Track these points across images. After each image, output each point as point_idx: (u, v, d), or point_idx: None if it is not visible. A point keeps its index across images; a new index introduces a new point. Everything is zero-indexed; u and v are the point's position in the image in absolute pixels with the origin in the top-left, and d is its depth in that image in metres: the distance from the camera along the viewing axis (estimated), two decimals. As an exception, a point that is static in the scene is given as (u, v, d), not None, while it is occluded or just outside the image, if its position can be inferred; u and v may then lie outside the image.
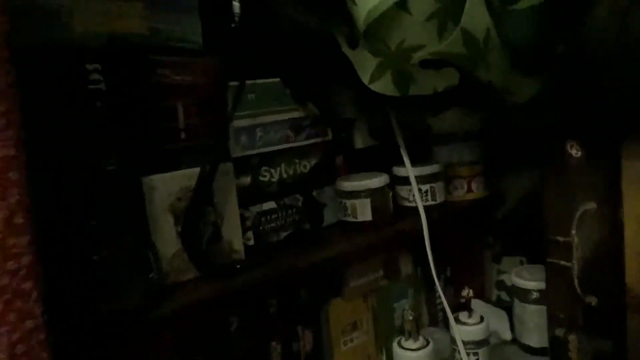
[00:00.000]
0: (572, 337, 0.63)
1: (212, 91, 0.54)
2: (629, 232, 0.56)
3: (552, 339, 0.65)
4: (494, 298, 0.86)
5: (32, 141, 0.38)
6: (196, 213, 0.52)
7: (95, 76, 0.45)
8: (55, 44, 0.43)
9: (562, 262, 0.62)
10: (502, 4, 0.45)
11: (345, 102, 0.66)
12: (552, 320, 0.64)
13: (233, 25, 0.55)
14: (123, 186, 0.47)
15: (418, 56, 0.49)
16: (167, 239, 0.51)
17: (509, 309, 0.78)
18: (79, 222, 0.43)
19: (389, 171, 0.69)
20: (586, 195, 0.58)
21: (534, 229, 0.65)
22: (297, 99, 0.62)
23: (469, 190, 0.73)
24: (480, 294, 0.86)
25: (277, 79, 0.61)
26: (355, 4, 0.48)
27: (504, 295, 0.84)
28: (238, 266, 0.53)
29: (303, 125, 0.64)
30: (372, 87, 0.53)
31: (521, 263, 0.82)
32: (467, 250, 0.82)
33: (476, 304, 0.80)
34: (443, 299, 0.65)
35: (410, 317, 0.59)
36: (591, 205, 0.58)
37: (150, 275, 0.47)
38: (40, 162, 0.40)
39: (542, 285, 0.67)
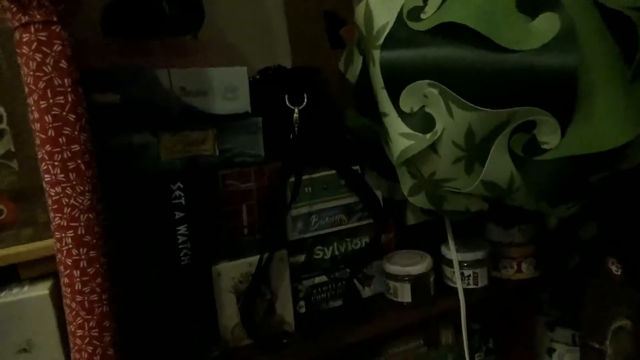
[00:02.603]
0: None
1: (271, 191, 0.63)
2: (661, 356, 0.56)
3: None
4: (544, 363, 0.88)
5: (126, 247, 0.52)
6: (253, 293, 0.63)
7: (177, 193, 0.57)
8: (147, 171, 0.56)
9: (595, 366, 0.63)
10: (526, 154, 0.48)
11: (397, 187, 0.72)
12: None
13: (292, 135, 0.63)
14: (195, 276, 0.59)
15: (448, 186, 0.53)
16: (230, 313, 0.63)
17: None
18: (160, 309, 0.56)
19: (438, 248, 0.75)
20: (623, 312, 0.59)
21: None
22: (351, 187, 0.69)
23: (519, 270, 0.75)
24: (530, 358, 0.88)
25: (331, 172, 0.68)
26: (391, 141, 0.53)
27: (554, 363, 0.86)
28: (285, 341, 0.64)
29: (356, 209, 0.71)
30: (411, 200, 0.59)
31: (573, 337, 0.83)
32: (516, 322, 0.84)
33: (519, 373, 0.84)
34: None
35: (436, 398, 0.66)
36: (626, 323, 0.59)
37: (212, 349, 0.60)
38: (134, 264, 0.54)
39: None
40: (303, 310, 0.70)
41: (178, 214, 0.57)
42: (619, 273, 0.58)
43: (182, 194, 0.57)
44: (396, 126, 0.53)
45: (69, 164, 0.37)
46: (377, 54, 0.53)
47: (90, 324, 0.38)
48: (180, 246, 0.58)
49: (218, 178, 0.60)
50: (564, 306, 0.84)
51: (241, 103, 0.60)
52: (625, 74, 0.47)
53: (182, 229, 0.57)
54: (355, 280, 0.71)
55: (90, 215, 0.39)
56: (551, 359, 0.82)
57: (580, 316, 0.68)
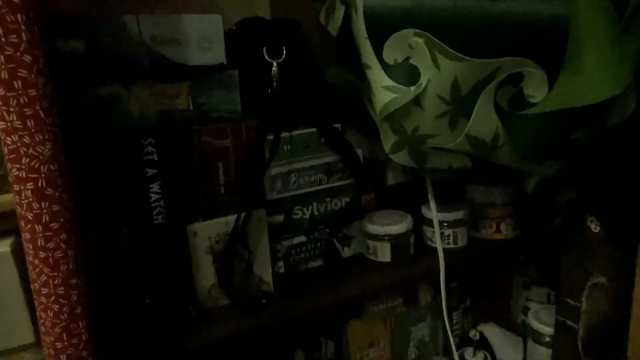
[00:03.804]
0: (571, 389, 0.67)
1: (249, 150, 0.61)
2: (635, 313, 0.57)
3: (554, 384, 0.69)
4: (519, 321, 0.90)
5: (97, 203, 0.49)
6: (230, 253, 0.62)
7: (149, 149, 0.54)
8: (117, 125, 0.53)
9: (570, 323, 0.64)
10: (512, 108, 0.47)
11: (379, 146, 0.70)
12: (556, 369, 0.68)
13: (270, 90, 0.61)
14: (170, 236, 0.57)
15: (432, 142, 0.52)
16: (206, 274, 0.61)
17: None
18: (133, 269, 0.54)
19: (419, 208, 0.74)
20: (599, 269, 0.60)
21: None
22: (332, 146, 0.67)
23: (497, 230, 0.76)
24: (505, 316, 0.90)
25: (312, 130, 0.66)
26: (374, 95, 0.51)
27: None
28: (263, 301, 0.63)
29: (336, 169, 0.69)
30: (392, 157, 0.57)
31: (548, 296, 0.85)
32: (493, 281, 0.85)
33: (493, 330, 0.85)
34: (451, 338, 0.71)
35: (414, 355, 0.66)
36: (602, 280, 0.59)
37: (190, 310, 0.59)
38: (105, 223, 0.52)
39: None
40: (282, 270, 0.69)
41: (150, 171, 0.55)
42: (598, 231, 0.59)
43: (155, 150, 0.54)
44: (379, 79, 0.51)
45: (26, 110, 0.34)
46: (360, 1, 0.50)
47: (56, 282, 0.36)
48: (154, 204, 0.55)
49: (193, 134, 0.57)
50: (540, 266, 0.86)
51: (216, 54, 0.56)
52: (615, 27, 0.45)
53: (155, 186, 0.55)
54: (335, 241, 0.70)
55: (52, 167, 0.36)
56: (526, 317, 0.83)
57: (558, 274, 0.68)
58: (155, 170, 0.55)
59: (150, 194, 0.55)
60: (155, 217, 0.56)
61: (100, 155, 0.52)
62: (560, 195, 0.61)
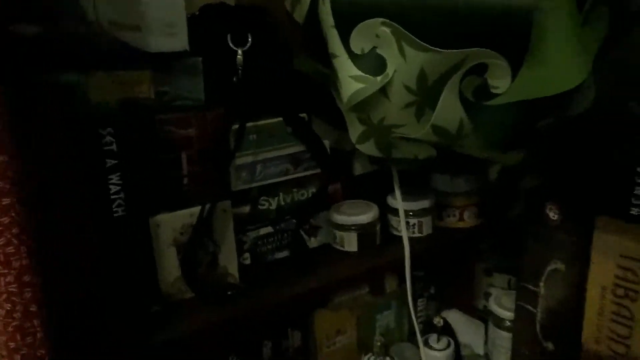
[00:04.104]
0: (530, 371, 0.69)
1: (213, 139, 0.60)
2: (590, 296, 0.60)
3: (514, 367, 0.72)
4: (480, 306, 0.92)
5: (53, 195, 0.47)
6: (194, 244, 0.60)
7: (108, 139, 0.52)
8: (75, 114, 0.50)
9: (529, 307, 0.67)
10: (476, 99, 0.47)
11: (345, 136, 0.70)
12: (516, 353, 0.71)
13: (235, 78, 0.59)
14: (131, 229, 0.55)
15: (398, 132, 0.52)
16: (170, 267, 0.60)
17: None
18: (92, 264, 0.52)
19: (385, 198, 0.75)
20: (557, 255, 0.62)
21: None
22: (298, 136, 0.67)
23: (461, 219, 0.77)
24: (468, 302, 0.92)
25: (278, 119, 0.65)
26: (341, 84, 0.51)
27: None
28: (229, 293, 0.62)
29: (303, 159, 0.69)
30: (359, 147, 0.57)
31: (509, 282, 0.87)
32: (457, 268, 0.87)
33: (456, 316, 0.88)
34: (416, 325, 0.72)
35: (379, 343, 0.67)
36: (560, 266, 0.62)
37: (153, 305, 0.57)
38: (63, 216, 0.49)
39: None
40: (248, 262, 0.68)
41: (110, 162, 0.52)
42: (556, 218, 0.61)
43: (114, 140, 0.52)
44: (346, 68, 0.50)
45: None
46: (327, -11, 0.50)
47: (8, 279, 0.34)
48: (113, 196, 0.53)
49: (155, 123, 0.55)
50: (501, 253, 0.88)
51: (179, 40, 0.54)
52: (577, 18, 0.46)
53: (115, 177, 0.53)
54: (301, 231, 0.70)
55: (1, 158, 0.34)
56: (488, 302, 0.86)
57: (519, 260, 0.70)
58: (115, 161, 0.53)
59: (110, 186, 0.53)
60: (115, 209, 0.54)
61: (56, 146, 0.49)
62: (521, 184, 0.63)
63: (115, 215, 0.54)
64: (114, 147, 0.52)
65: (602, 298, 0.58)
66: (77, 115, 0.50)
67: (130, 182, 0.54)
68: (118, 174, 0.53)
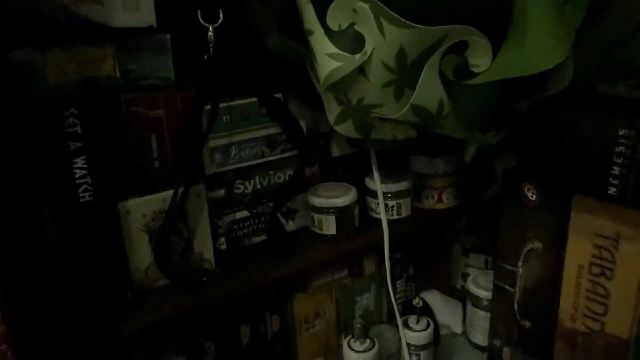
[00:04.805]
0: (506, 349, 0.70)
1: (184, 120, 0.57)
2: (566, 275, 0.60)
3: (491, 346, 0.72)
4: (458, 286, 0.93)
5: (14, 182, 0.44)
6: (167, 230, 0.58)
7: (71, 120, 0.49)
8: (33, 95, 0.47)
9: (507, 287, 0.67)
10: (456, 78, 0.46)
11: (323, 117, 0.68)
12: (493, 331, 0.71)
13: (206, 56, 0.56)
14: (98, 215, 0.53)
15: (377, 112, 0.51)
16: (142, 254, 0.58)
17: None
18: (58, 253, 0.50)
19: (363, 180, 0.73)
20: (535, 235, 0.62)
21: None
22: (274, 117, 0.65)
23: (439, 200, 0.77)
24: (446, 282, 0.93)
25: (252, 99, 0.63)
26: (317, 63, 0.49)
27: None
28: (204, 279, 0.60)
29: (279, 140, 0.67)
30: (337, 128, 0.55)
31: (486, 262, 0.88)
32: (435, 249, 0.87)
33: (434, 297, 0.88)
34: (395, 307, 0.72)
35: (359, 325, 0.67)
36: (537, 245, 0.62)
37: (125, 293, 0.55)
38: (24, 205, 0.46)
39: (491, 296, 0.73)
40: (224, 247, 0.66)
41: (73, 145, 0.49)
42: (534, 198, 0.61)
43: (78, 122, 0.49)
44: (323, 46, 0.48)
45: None
46: (301, -38, 0.47)
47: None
48: (79, 181, 0.50)
49: (121, 103, 0.52)
50: (478, 233, 0.89)
51: (144, 15, 0.51)
52: (557, -3, 0.45)
53: (80, 161, 0.50)
54: (278, 215, 0.68)
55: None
56: (466, 282, 0.87)
57: (496, 240, 0.71)
58: (80, 144, 0.50)
59: (75, 170, 0.50)
60: (81, 194, 0.51)
61: (13, 129, 0.46)
62: (499, 164, 0.62)
63: (81, 200, 0.51)
64: (77, 128, 0.49)
65: (578, 276, 0.58)
66: (35, 96, 0.47)
67: (96, 166, 0.51)
68: (83, 157, 0.50)
